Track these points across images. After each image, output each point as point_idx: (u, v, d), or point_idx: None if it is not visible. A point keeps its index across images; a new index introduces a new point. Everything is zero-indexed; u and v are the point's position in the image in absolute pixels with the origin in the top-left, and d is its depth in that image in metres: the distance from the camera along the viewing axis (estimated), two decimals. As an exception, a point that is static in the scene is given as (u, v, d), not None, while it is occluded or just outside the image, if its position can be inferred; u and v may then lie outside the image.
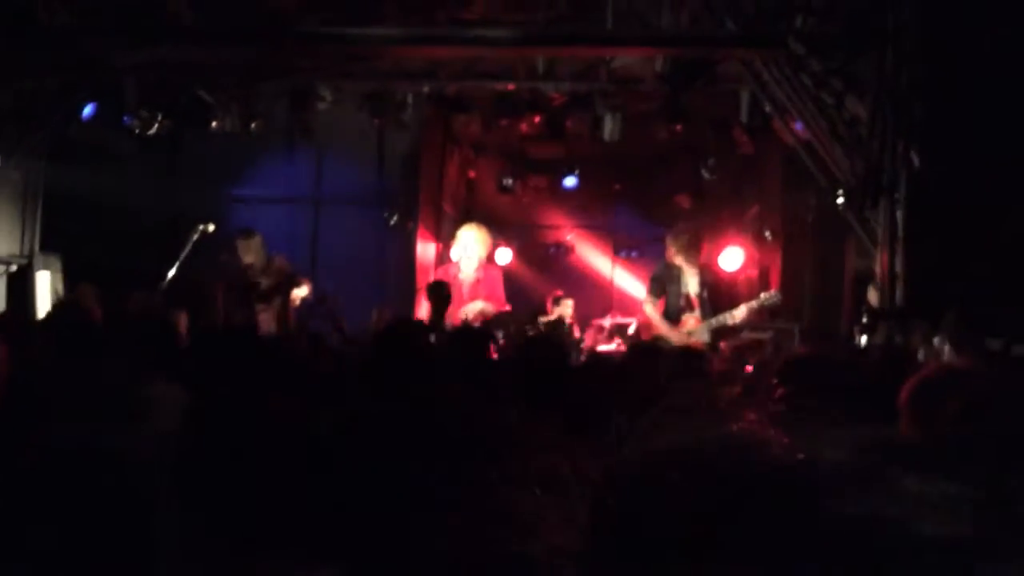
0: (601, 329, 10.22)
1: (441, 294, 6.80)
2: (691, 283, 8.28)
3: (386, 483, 1.92)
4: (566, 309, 10.33)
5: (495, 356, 4.56)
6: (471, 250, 8.34)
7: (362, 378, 3.59)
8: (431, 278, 9.10)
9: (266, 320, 7.59)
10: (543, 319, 9.70)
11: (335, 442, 2.00)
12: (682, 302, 8.27)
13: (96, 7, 7.59)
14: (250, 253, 7.82)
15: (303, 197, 10.99)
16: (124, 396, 2.65)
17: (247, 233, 7.79)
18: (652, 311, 8.42)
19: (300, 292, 7.72)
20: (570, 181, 11.38)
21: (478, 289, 8.38)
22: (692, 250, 8.25)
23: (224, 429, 1.93)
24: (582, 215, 12.47)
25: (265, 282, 7.80)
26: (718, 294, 8.38)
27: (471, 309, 8.18)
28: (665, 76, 7.83)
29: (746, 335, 7.97)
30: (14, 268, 8.44)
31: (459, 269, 8.42)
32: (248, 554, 1.86)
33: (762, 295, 8.28)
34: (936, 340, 5.10)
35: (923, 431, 1.92)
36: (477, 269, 8.40)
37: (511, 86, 8.68)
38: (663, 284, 8.41)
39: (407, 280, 10.46)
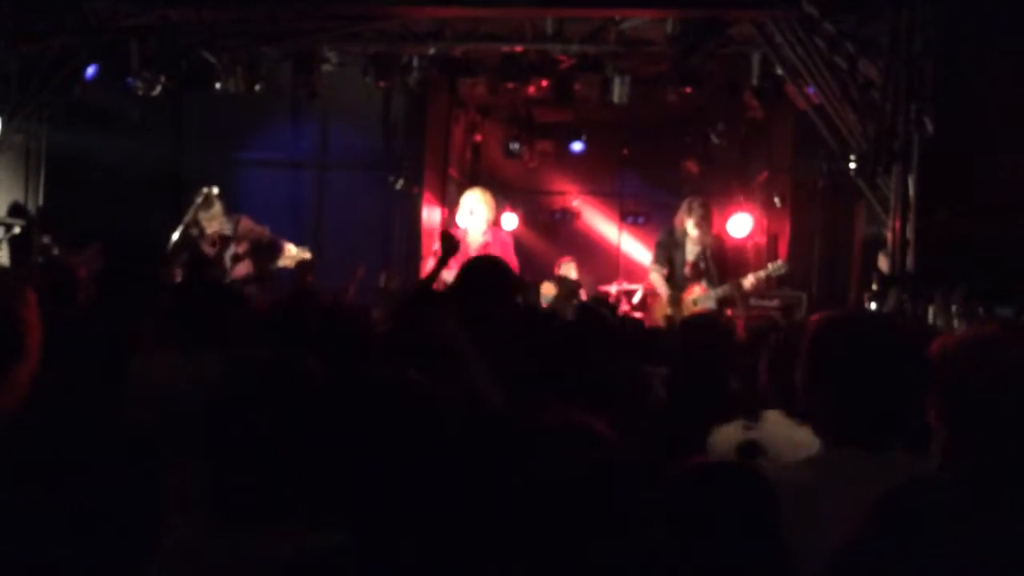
0: (607, 295, 10.18)
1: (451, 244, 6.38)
2: (693, 251, 8.22)
3: (394, 453, 1.88)
4: (570, 273, 10.28)
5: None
6: (477, 213, 8.24)
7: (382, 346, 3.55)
8: (436, 243, 9.01)
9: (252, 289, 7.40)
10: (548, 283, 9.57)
11: (346, 408, 1.96)
12: (687, 270, 8.23)
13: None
14: (214, 222, 7.65)
15: (307, 160, 10.92)
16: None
17: (207, 203, 7.55)
18: (658, 278, 8.37)
19: (293, 252, 7.55)
20: (577, 146, 11.29)
21: (487, 253, 8.30)
22: (707, 219, 8.19)
23: (244, 394, 1.91)
24: (589, 180, 12.39)
25: (238, 250, 7.63)
26: (725, 261, 8.32)
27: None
28: (675, 38, 7.72)
29: (753, 303, 7.93)
30: (17, 230, 8.40)
31: (466, 233, 8.33)
32: (260, 519, 1.84)
33: (769, 265, 8.22)
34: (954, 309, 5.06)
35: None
36: (485, 232, 8.33)
37: (518, 48, 8.56)
38: (668, 250, 8.36)
39: (412, 245, 10.41)
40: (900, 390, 2.13)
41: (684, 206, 8.31)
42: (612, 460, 1.70)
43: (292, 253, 7.50)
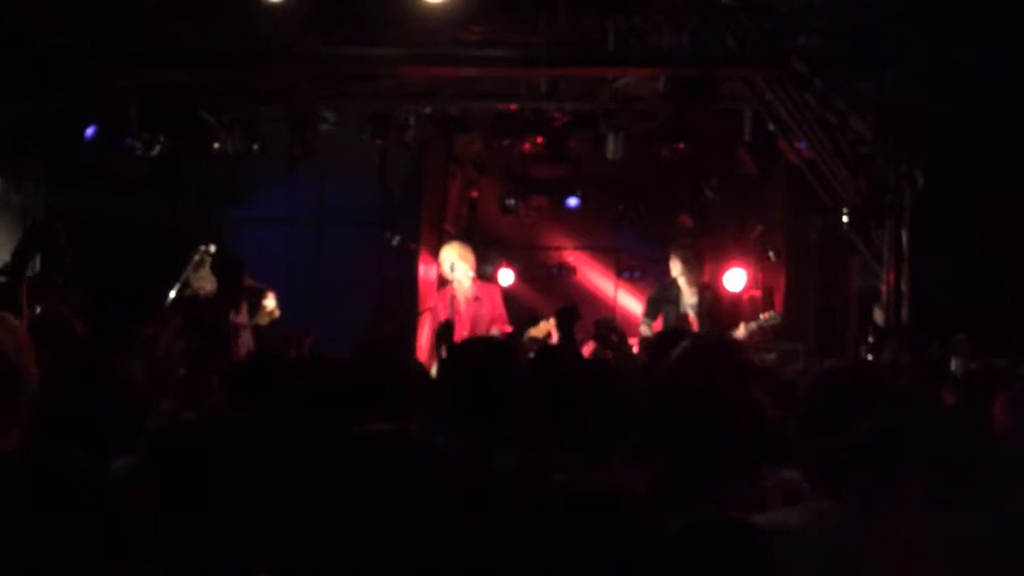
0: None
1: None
2: (689, 303, 8.23)
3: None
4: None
5: None
6: (460, 267, 8.27)
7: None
8: (433, 301, 9.03)
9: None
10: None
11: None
12: (681, 323, 8.22)
13: (98, 30, 7.60)
14: (206, 282, 7.69)
15: (305, 218, 10.96)
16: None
17: (197, 264, 7.63)
18: (648, 332, 8.37)
19: (269, 304, 7.55)
20: (573, 201, 11.36)
21: (478, 307, 8.29)
22: (695, 267, 8.20)
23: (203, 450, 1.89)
24: (585, 235, 12.42)
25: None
26: (720, 314, 8.32)
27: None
28: (667, 95, 7.82)
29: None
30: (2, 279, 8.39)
31: (454, 290, 8.35)
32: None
33: (762, 316, 8.22)
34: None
35: None
36: (472, 286, 8.34)
37: (513, 106, 8.67)
38: (660, 305, 8.36)
39: (409, 301, 10.42)
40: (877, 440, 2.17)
41: (672, 253, 8.35)
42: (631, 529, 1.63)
43: (268, 308, 7.53)
